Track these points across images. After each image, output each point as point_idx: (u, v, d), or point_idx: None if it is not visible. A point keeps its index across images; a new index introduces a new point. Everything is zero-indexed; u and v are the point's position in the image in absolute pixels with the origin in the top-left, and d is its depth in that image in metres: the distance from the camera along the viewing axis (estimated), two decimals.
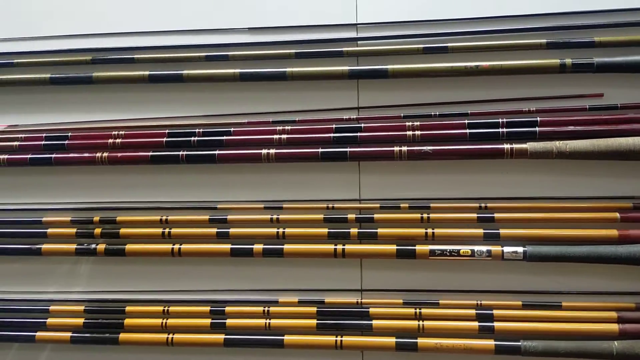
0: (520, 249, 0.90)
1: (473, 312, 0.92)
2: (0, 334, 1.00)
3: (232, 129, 0.99)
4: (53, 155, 1.01)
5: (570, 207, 0.91)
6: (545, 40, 0.93)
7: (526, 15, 0.95)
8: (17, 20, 1.08)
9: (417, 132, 0.94)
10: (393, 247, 0.93)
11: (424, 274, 0.95)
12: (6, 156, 1.02)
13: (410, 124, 0.95)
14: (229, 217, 0.98)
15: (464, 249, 0.91)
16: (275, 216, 0.97)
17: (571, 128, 0.91)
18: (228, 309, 0.97)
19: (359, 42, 1.00)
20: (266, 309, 0.96)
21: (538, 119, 0.93)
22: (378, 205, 0.96)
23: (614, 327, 0.88)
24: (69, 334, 0.99)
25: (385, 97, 0.98)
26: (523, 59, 0.94)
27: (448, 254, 0.91)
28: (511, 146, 0.91)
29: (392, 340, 0.92)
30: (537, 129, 0.92)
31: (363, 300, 0.95)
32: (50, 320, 1.00)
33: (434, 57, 0.96)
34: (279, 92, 1.00)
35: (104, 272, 1.02)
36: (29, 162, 1.02)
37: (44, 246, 1.01)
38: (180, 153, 0.98)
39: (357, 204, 0.97)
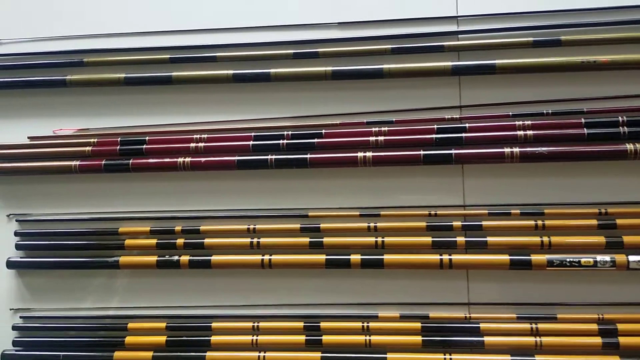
0: None
1: (595, 326, 0.87)
2: (75, 355, 0.96)
3: (323, 131, 0.95)
4: (131, 161, 0.97)
5: None
6: None
7: None
8: (87, 16, 1.05)
9: (529, 132, 0.90)
10: (506, 257, 0.89)
11: (538, 286, 0.90)
12: (78, 162, 0.99)
13: (520, 123, 0.90)
14: (322, 225, 0.94)
15: (586, 258, 0.86)
16: (372, 224, 0.93)
17: None
18: (323, 324, 0.93)
19: (459, 35, 0.95)
20: (365, 324, 0.92)
21: None
22: (486, 211, 0.91)
23: None
24: (150, 353, 0.95)
25: (490, 94, 0.93)
26: None
27: (568, 264, 0.87)
28: (635, 147, 0.86)
29: (507, 358, 0.87)
30: None
31: (472, 315, 0.90)
32: (129, 339, 0.96)
33: (545, 50, 0.91)
34: (374, 91, 0.96)
35: (187, 285, 0.97)
36: (104, 169, 0.98)
37: (122, 258, 0.97)
38: (269, 157, 0.94)
39: (461, 210, 0.92)
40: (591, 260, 0.86)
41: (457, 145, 0.92)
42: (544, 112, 0.92)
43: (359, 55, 0.97)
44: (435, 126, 0.93)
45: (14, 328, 1.00)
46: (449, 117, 0.94)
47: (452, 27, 0.96)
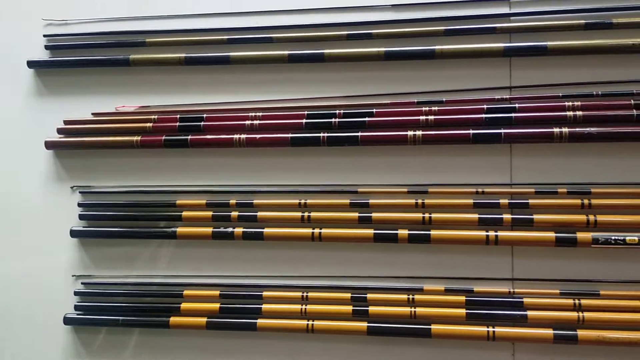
0: None
1: (638, 303, 0.95)
2: (133, 320, 1.09)
3: (374, 110, 1.05)
4: (189, 137, 1.10)
5: None
6: None
7: None
8: None
9: (579, 113, 0.98)
10: (552, 235, 0.97)
11: (582, 263, 0.99)
12: (139, 138, 1.11)
13: (570, 104, 0.99)
14: (371, 201, 1.04)
15: (631, 237, 0.94)
16: (420, 200, 1.03)
17: None
18: (370, 296, 1.03)
19: (511, 17, 1.04)
20: (411, 296, 1.02)
21: None
22: (533, 190, 1.00)
23: None
24: (204, 319, 1.07)
25: (540, 76, 1.02)
26: None
27: (613, 242, 0.95)
28: None
29: (549, 332, 0.96)
30: None
31: (516, 290, 0.99)
32: (184, 305, 1.08)
33: (597, 33, 0.99)
34: (425, 72, 1.06)
35: (240, 256, 1.09)
36: (164, 144, 1.10)
37: (179, 229, 1.10)
38: (321, 135, 1.05)
39: (508, 188, 1.01)
40: (636, 238, 0.94)
41: (507, 125, 1.01)
42: (594, 93, 0.99)
43: (411, 37, 1.06)
44: (485, 106, 1.02)
45: (76, 294, 1.13)
46: (499, 97, 1.02)
47: (505, 9, 1.05)
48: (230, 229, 1.08)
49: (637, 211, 0.96)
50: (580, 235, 0.96)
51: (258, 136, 1.08)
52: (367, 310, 1.03)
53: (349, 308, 1.03)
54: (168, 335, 1.10)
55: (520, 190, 1.01)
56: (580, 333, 0.95)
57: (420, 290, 1.03)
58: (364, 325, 1.02)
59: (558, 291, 0.99)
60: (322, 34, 1.09)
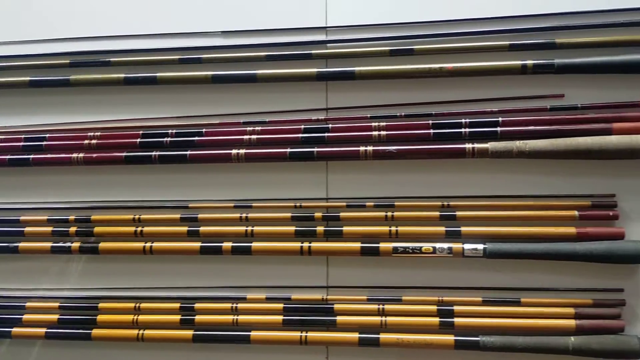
0: (480, 246, 1.04)
1: (434, 308, 1.06)
2: None
3: (204, 130, 1.15)
4: (31, 156, 1.18)
5: (530, 205, 1.06)
6: (507, 43, 1.08)
7: (490, 18, 1.10)
8: None
9: (383, 132, 1.09)
10: (357, 245, 1.08)
11: (388, 271, 1.09)
12: None
13: (376, 124, 1.10)
14: (200, 215, 1.14)
15: (426, 246, 1.06)
16: (244, 215, 1.13)
17: (532, 128, 1.05)
18: (198, 305, 1.12)
19: (328, 44, 1.15)
20: (234, 305, 1.11)
21: (500, 119, 1.07)
22: (344, 204, 1.11)
23: (571, 322, 1.01)
24: (44, 330, 1.15)
25: (353, 98, 1.13)
26: (486, 61, 1.08)
27: (410, 251, 1.06)
28: (473, 146, 1.06)
29: (355, 335, 1.06)
30: (498, 129, 1.06)
31: (328, 297, 1.10)
32: (26, 317, 1.16)
33: (401, 59, 1.11)
34: (250, 94, 1.16)
35: (78, 269, 1.18)
36: (8, 163, 1.19)
37: (21, 244, 1.18)
38: (153, 153, 1.15)
39: (324, 202, 1.12)
40: (431, 247, 1.06)
41: (321, 143, 1.12)
42: (398, 114, 1.11)
43: (237, 62, 1.17)
44: (303, 126, 1.13)
45: None
46: (316, 118, 1.13)
47: (322, 37, 1.16)
48: (68, 244, 1.16)
49: (434, 223, 1.07)
50: (383, 245, 1.07)
51: (95, 155, 1.16)
52: (194, 319, 1.11)
53: (178, 317, 1.12)
54: (13, 345, 1.18)
55: (334, 204, 1.12)
56: (382, 336, 1.05)
57: (244, 299, 1.12)
58: (190, 333, 1.10)
59: (366, 297, 1.09)
60: (156, 58, 1.18)
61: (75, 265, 1.18)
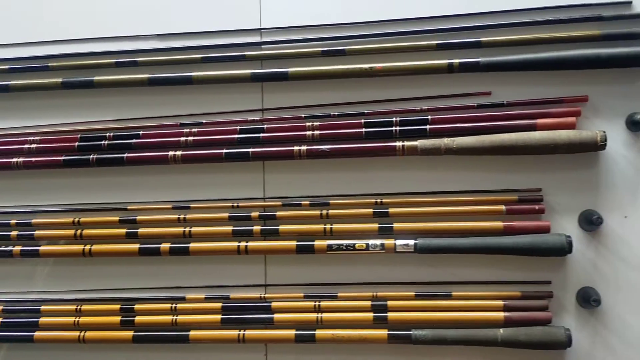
0: (411, 242, 1.07)
1: (369, 303, 1.08)
2: None
3: (141, 132, 1.17)
4: None
5: (459, 200, 1.08)
6: (435, 42, 1.11)
7: (417, 18, 1.13)
8: None
9: (316, 132, 1.12)
10: (293, 243, 1.10)
11: (324, 268, 1.12)
12: None
13: (310, 124, 1.13)
14: (139, 217, 1.16)
15: (359, 243, 1.08)
16: (182, 216, 1.15)
17: (460, 125, 1.08)
18: (137, 306, 1.14)
19: (262, 46, 1.17)
20: (174, 305, 1.13)
21: (429, 117, 1.10)
22: (281, 203, 1.13)
23: (500, 315, 1.04)
24: None
25: (288, 99, 1.15)
26: (415, 60, 1.11)
27: (344, 248, 1.08)
28: (402, 144, 1.08)
29: (291, 332, 1.08)
30: (427, 126, 1.09)
31: (266, 295, 1.12)
32: None
33: (333, 59, 1.13)
34: (187, 96, 1.18)
35: (19, 272, 1.19)
36: None
37: None
38: (91, 156, 1.16)
39: (261, 202, 1.14)
40: (364, 244, 1.08)
41: (256, 144, 1.14)
42: (331, 114, 1.13)
43: (174, 64, 1.19)
44: (239, 127, 1.15)
45: None
46: (252, 119, 1.16)
47: (256, 39, 1.18)
48: (9, 248, 1.17)
49: (368, 220, 1.10)
50: (317, 243, 1.09)
51: (34, 159, 1.18)
52: (134, 320, 1.13)
53: (118, 318, 1.14)
54: None
55: (271, 204, 1.14)
56: (318, 333, 1.08)
57: (183, 299, 1.14)
58: (130, 333, 1.12)
59: (302, 295, 1.11)
60: (93, 62, 1.20)
61: (17, 268, 1.19)
